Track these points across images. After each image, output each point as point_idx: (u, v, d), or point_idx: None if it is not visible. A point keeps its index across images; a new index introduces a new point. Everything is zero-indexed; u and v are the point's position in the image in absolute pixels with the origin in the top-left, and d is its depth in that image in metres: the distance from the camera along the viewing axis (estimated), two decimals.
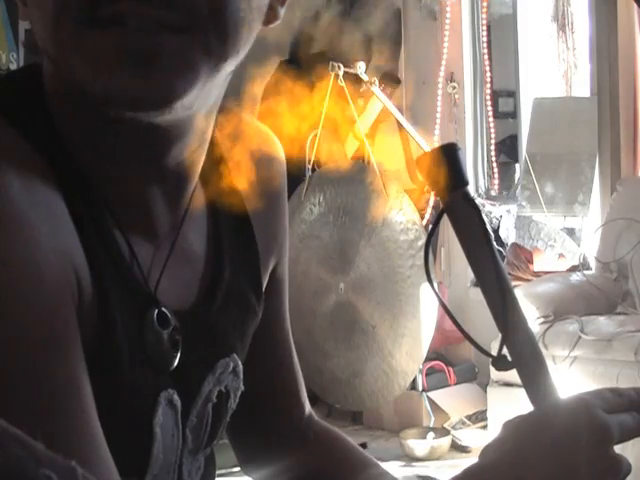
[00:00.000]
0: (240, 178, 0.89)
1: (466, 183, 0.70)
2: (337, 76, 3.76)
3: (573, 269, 4.32)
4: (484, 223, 0.70)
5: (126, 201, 0.77)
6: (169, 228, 0.81)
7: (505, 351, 0.75)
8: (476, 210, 0.70)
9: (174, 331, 0.79)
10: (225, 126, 0.86)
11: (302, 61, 4.62)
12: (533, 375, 0.75)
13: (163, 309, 0.79)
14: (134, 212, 0.78)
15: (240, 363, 0.88)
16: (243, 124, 0.92)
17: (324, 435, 1.03)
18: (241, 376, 0.89)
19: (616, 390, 0.76)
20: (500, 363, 0.74)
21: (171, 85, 0.69)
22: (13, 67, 5.01)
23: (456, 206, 0.70)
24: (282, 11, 0.78)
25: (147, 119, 0.71)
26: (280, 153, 0.97)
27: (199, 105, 0.74)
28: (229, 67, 0.73)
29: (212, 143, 0.82)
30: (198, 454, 0.87)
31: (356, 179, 4.09)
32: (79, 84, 0.70)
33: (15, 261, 0.66)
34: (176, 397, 0.80)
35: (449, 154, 0.69)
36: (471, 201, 0.70)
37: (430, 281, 0.72)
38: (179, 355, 0.80)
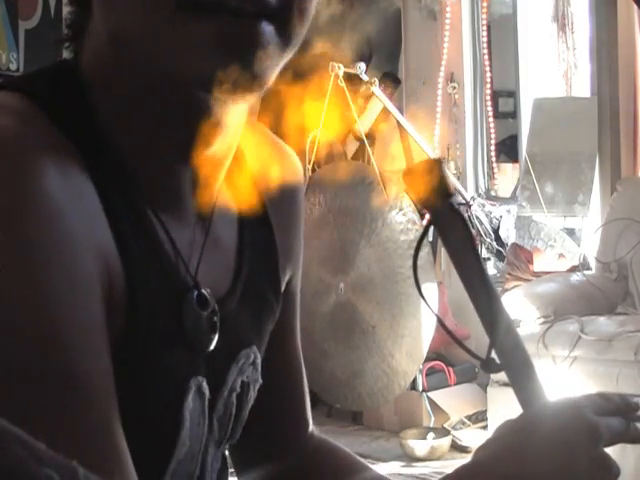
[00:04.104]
0: (263, 186, 0.91)
1: (451, 194, 0.71)
2: (337, 76, 3.76)
3: (573, 269, 4.31)
4: (470, 232, 0.71)
5: (161, 188, 0.78)
6: (198, 217, 0.82)
7: (494, 355, 0.77)
8: (462, 220, 0.71)
9: (212, 313, 0.80)
10: (250, 134, 0.88)
11: (302, 61, 4.63)
12: (521, 377, 0.76)
13: (203, 291, 0.79)
14: (168, 199, 0.79)
15: (259, 356, 0.89)
16: (265, 136, 0.95)
17: (321, 449, 1.04)
18: (259, 369, 0.89)
19: (604, 395, 0.79)
20: (489, 366, 0.76)
21: (264, 70, 0.71)
22: (13, 67, 5.02)
23: (442, 217, 0.72)
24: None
25: (229, 102, 0.73)
26: (301, 172, 0.99)
27: None
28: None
29: (238, 148, 0.84)
30: (221, 446, 0.88)
31: (356, 179, 4.09)
32: (168, 67, 0.71)
33: (47, 255, 0.66)
34: (205, 385, 0.80)
35: (434, 167, 0.70)
36: (457, 211, 0.72)
37: (419, 289, 0.74)
38: (216, 337, 0.80)
